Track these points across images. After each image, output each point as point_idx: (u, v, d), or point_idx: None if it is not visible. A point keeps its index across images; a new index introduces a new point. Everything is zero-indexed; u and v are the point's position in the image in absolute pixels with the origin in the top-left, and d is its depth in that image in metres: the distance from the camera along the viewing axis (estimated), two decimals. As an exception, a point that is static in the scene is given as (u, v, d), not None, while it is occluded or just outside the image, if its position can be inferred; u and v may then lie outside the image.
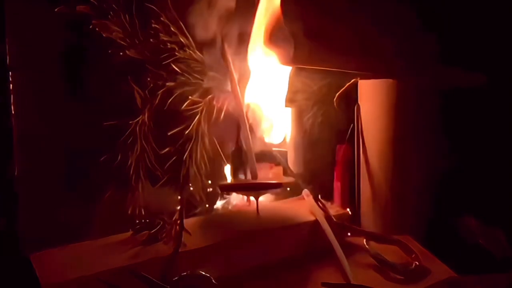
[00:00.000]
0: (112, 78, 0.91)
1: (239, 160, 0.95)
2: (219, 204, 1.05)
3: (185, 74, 0.95)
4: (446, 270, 0.91)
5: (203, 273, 0.79)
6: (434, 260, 0.94)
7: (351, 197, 1.10)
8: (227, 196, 1.06)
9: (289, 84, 1.02)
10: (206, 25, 0.95)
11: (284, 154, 1.03)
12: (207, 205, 1.02)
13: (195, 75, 0.96)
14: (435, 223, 1.04)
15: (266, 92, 0.99)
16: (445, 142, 1.05)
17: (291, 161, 1.09)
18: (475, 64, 1.02)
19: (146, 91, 0.92)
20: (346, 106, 1.09)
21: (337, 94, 1.08)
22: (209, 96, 0.97)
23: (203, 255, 0.84)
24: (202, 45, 0.96)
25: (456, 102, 1.06)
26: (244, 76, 0.99)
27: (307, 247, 0.97)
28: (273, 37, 0.92)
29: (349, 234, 1.00)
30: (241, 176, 0.96)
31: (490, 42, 1.04)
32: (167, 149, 0.94)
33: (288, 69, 1.02)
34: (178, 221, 0.88)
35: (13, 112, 0.84)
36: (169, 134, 0.94)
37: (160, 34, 0.92)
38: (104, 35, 0.88)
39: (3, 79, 0.84)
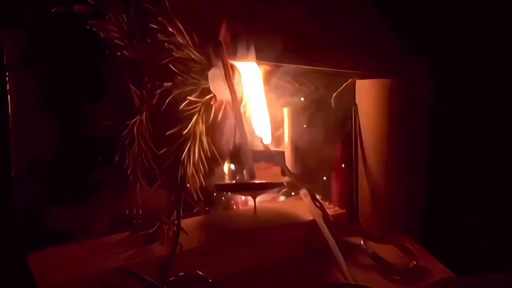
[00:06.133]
0: (110, 78, 0.90)
1: (237, 160, 0.95)
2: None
3: (183, 74, 0.95)
4: (443, 270, 0.91)
5: (200, 273, 0.79)
6: (432, 259, 0.94)
7: (349, 197, 1.10)
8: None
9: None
10: (204, 26, 0.95)
11: (282, 154, 1.03)
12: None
13: (193, 75, 0.96)
14: (433, 222, 1.04)
15: (262, 92, 0.99)
16: (443, 142, 1.06)
17: (289, 161, 1.09)
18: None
19: (144, 91, 0.92)
20: (344, 106, 1.09)
21: (334, 94, 1.08)
22: (207, 96, 0.97)
23: (200, 255, 0.84)
24: (200, 45, 0.96)
25: (454, 101, 1.06)
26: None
27: (304, 247, 0.97)
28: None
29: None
30: (239, 176, 0.96)
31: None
32: (164, 149, 0.94)
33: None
34: (176, 221, 0.88)
35: (10, 113, 0.84)
36: (167, 134, 0.94)
37: (158, 34, 0.92)
38: (101, 35, 0.88)
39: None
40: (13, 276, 0.74)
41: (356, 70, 1.06)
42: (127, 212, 0.90)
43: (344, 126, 1.10)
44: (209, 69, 0.97)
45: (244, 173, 0.95)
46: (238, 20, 0.92)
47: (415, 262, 0.91)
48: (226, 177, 0.97)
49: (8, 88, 0.83)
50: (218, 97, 0.96)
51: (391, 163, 1.04)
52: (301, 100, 1.12)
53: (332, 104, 1.09)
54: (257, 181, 0.95)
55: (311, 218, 0.98)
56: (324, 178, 1.14)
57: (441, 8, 1.02)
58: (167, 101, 0.93)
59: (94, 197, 0.90)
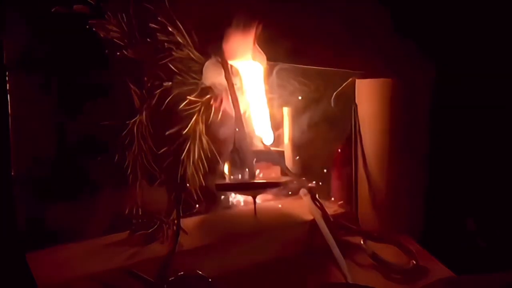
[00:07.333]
0: (109, 78, 0.90)
1: (237, 160, 0.95)
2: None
3: (183, 74, 0.95)
4: (443, 269, 0.91)
5: (200, 273, 0.79)
6: (432, 259, 0.94)
7: (349, 197, 1.10)
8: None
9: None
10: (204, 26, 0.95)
11: (282, 154, 1.03)
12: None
13: (193, 74, 0.96)
14: (433, 222, 1.04)
15: (262, 92, 0.99)
16: (443, 142, 1.06)
17: (289, 161, 1.09)
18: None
19: (144, 91, 0.92)
20: (343, 106, 1.09)
21: (334, 94, 1.08)
22: (207, 96, 0.97)
23: (200, 255, 0.84)
24: (200, 45, 0.96)
25: (454, 101, 1.06)
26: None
27: (304, 246, 0.97)
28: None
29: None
30: (239, 176, 0.96)
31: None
32: (164, 149, 0.94)
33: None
34: (175, 221, 0.88)
35: (10, 112, 0.84)
36: (166, 134, 0.94)
37: (158, 34, 0.92)
38: (101, 35, 0.88)
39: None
40: (13, 276, 0.74)
41: (356, 69, 1.06)
42: (127, 212, 0.90)
43: (344, 126, 1.10)
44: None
45: (244, 172, 0.95)
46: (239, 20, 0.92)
47: (414, 262, 0.91)
48: (226, 176, 0.97)
49: (8, 88, 0.83)
50: (212, 89, 0.96)
51: (391, 163, 1.04)
52: (301, 100, 1.12)
53: (332, 104, 1.09)
54: (257, 181, 0.95)
55: (311, 218, 0.98)
56: (324, 177, 1.14)
57: (442, 8, 1.02)
58: (167, 101, 0.93)
59: (94, 197, 0.90)
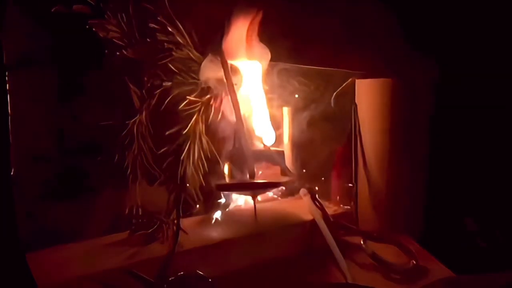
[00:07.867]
0: (110, 77, 0.90)
1: (237, 160, 0.95)
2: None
3: (182, 74, 0.95)
4: (443, 269, 0.91)
5: (200, 273, 0.79)
6: (432, 259, 0.94)
7: (349, 197, 1.10)
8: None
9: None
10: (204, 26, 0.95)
11: (282, 154, 1.03)
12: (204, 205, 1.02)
13: (193, 74, 0.96)
14: (433, 222, 1.04)
15: (262, 92, 0.99)
16: (443, 142, 1.06)
17: (289, 161, 1.09)
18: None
19: (144, 91, 0.92)
20: (343, 105, 1.09)
21: (334, 93, 1.08)
22: (207, 96, 0.97)
23: (200, 255, 0.84)
24: (200, 45, 0.96)
25: (453, 101, 1.06)
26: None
27: (304, 246, 0.97)
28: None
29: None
30: (239, 176, 0.96)
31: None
32: (164, 149, 0.94)
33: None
34: (175, 221, 0.88)
35: (10, 113, 0.83)
36: (166, 134, 0.94)
37: (157, 34, 0.92)
38: (101, 35, 0.88)
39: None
40: (13, 276, 0.74)
41: (356, 69, 1.06)
42: (127, 212, 0.90)
43: (344, 126, 1.10)
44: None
45: (244, 172, 0.95)
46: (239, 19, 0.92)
47: (414, 262, 0.91)
48: (226, 176, 0.97)
49: (8, 88, 0.82)
50: (212, 89, 0.96)
51: (391, 163, 1.04)
52: (301, 100, 1.12)
53: (332, 104, 1.09)
54: (257, 181, 0.95)
55: (311, 218, 0.98)
56: (324, 177, 1.14)
57: (442, 8, 1.02)
58: (166, 101, 0.93)
59: (94, 197, 0.90)
